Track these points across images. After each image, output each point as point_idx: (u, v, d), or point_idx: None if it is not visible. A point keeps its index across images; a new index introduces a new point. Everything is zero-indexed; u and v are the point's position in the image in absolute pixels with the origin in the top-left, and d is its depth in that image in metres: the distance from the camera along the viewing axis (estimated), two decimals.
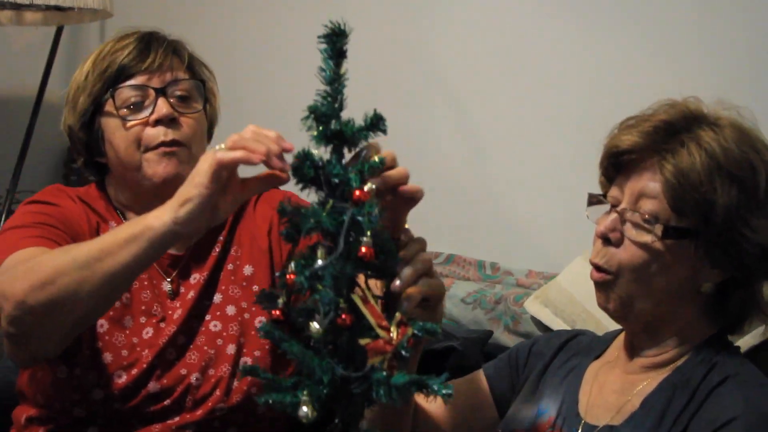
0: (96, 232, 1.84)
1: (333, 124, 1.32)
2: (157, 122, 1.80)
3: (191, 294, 1.85)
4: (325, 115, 1.32)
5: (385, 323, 1.26)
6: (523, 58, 2.62)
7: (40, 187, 3.19)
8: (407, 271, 1.35)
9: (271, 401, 1.27)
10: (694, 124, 1.51)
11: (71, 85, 1.87)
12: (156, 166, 1.80)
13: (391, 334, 1.26)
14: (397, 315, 1.28)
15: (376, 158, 1.32)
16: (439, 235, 2.48)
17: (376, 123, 1.33)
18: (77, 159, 1.92)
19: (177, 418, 1.79)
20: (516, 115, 2.61)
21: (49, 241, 1.73)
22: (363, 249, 1.27)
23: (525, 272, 2.42)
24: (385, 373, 1.24)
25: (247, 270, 1.89)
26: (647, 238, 1.49)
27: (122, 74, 1.81)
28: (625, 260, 1.50)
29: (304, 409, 1.24)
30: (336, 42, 1.34)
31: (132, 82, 1.81)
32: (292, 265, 1.32)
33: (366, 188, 1.29)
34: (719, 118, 1.54)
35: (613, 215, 1.53)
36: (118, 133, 1.82)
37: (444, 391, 1.26)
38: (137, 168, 1.81)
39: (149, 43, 1.84)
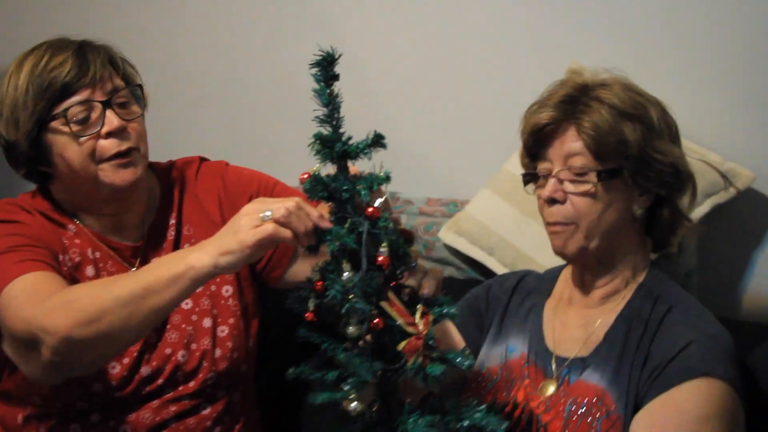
0: (60, 241, 1.92)
1: (338, 146, 1.48)
2: (109, 134, 1.87)
3: None
4: (330, 140, 1.47)
5: (410, 319, 1.46)
6: None
7: None
8: (431, 283, 1.54)
9: (325, 400, 1.46)
10: (588, 90, 1.82)
11: (3, 100, 1.87)
12: (113, 176, 1.87)
13: (419, 327, 1.45)
14: (419, 307, 1.47)
15: (382, 173, 1.48)
16: None
17: (377, 141, 1.49)
18: (18, 169, 1.94)
19: (172, 393, 1.94)
20: (408, 46, 2.73)
21: (39, 263, 1.81)
22: (380, 258, 1.46)
23: (424, 200, 2.63)
24: (418, 363, 1.44)
25: None
26: (586, 187, 1.76)
27: (65, 91, 1.85)
28: (575, 211, 1.77)
29: (354, 404, 1.45)
30: (327, 68, 1.48)
31: (77, 98, 1.85)
32: (318, 273, 1.49)
33: (377, 204, 1.46)
34: (604, 79, 1.86)
35: (552, 180, 1.80)
36: (70, 147, 1.86)
37: (466, 363, 1.50)
38: (93, 178, 1.88)
39: (85, 55, 1.87)
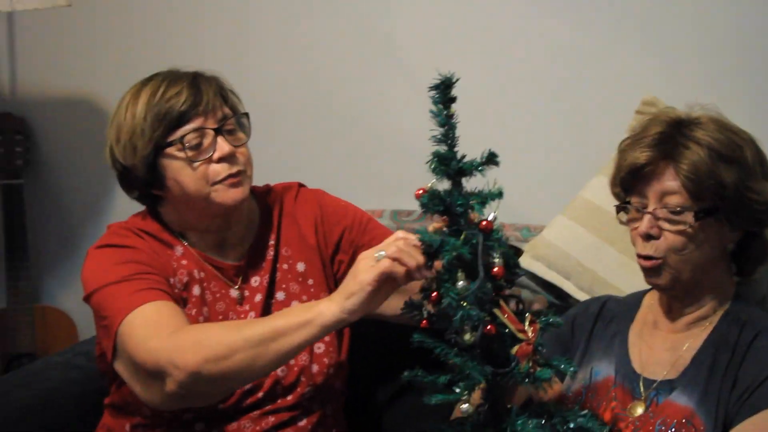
0: (170, 264, 2.03)
1: (453, 164, 1.58)
2: (220, 159, 1.99)
3: (258, 297, 2.08)
4: (447, 158, 1.58)
5: (520, 326, 1.55)
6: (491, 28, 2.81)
7: None
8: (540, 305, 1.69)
9: (439, 402, 1.54)
10: (683, 128, 1.87)
11: (121, 127, 1.99)
12: (224, 195, 1.99)
13: (528, 334, 1.54)
14: (528, 316, 1.57)
15: (495, 189, 1.58)
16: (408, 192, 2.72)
17: (491, 159, 1.59)
18: (130, 193, 2.07)
19: (270, 405, 2.04)
20: (484, 74, 2.79)
21: (158, 292, 1.93)
22: (496, 269, 1.55)
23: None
24: (528, 367, 1.53)
25: (300, 267, 2.13)
26: (683, 226, 1.83)
27: (181, 119, 1.97)
28: (668, 246, 1.83)
29: (466, 405, 1.53)
30: (445, 91, 1.58)
31: (191, 125, 1.97)
32: (433, 282, 1.58)
33: (491, 218, 1.56)
34: (698, 116, 1.90)
35: (647, 216, 1.85)
36: (184, 171, 1.98)
37: (571, 369, 1.61)
38: (205, 198, 1.99)
39: (199, 86, 2.00)
